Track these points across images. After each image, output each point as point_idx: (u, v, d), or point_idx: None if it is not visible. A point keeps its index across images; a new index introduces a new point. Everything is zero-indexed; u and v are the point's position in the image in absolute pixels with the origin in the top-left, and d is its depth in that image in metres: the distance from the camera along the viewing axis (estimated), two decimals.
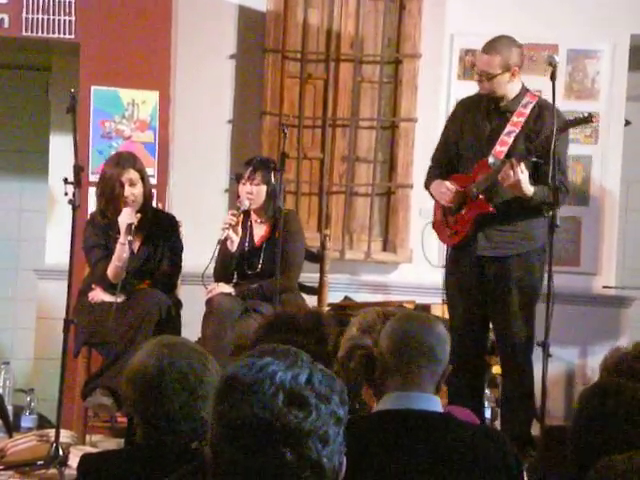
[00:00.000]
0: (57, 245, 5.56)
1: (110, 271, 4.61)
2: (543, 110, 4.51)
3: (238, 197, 4.83)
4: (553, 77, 4.23)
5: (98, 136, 5.36)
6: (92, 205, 4.98)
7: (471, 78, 5.31)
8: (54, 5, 5.30)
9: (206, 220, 5.49)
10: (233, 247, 4.74)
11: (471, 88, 4.84)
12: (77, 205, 4.23)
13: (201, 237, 5.11)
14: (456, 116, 4.73)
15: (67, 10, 5.31)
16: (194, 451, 2.27)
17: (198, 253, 4.87)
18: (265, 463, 1.45)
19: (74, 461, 3.99)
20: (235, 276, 4.87)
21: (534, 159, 4.41)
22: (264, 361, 1.50)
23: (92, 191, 5.10)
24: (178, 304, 4.71)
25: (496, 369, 4.99)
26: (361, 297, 5.59)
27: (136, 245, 4.67)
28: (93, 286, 4.70)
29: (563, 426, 2.84)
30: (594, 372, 4.73)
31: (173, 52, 5.53)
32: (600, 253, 5.81)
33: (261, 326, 2.95)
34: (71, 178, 4.24)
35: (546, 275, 4.19)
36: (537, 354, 4.17)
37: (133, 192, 4.62)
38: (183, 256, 4.82)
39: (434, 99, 5.59)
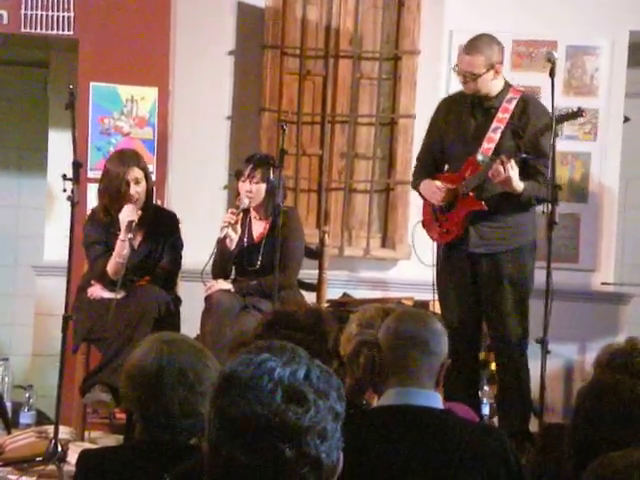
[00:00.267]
0: (56, 241, 5.56)
1: (110, 267, 4.61)
2: (527, 105, 4.53)
3: (238, 195, 4.83)
4: (552, 73, 4.23)
5: (97, 132, 5.35)
6: (91, 202, 4.99)
7: None
8: (53, 1, 5.29)
9: (205, 216, 5.49)
10: (232, 245, 4.74)
11: None
12: (76, 201, 4.23)
13: (200, 234, 5.11)
14: (440, 115, 4.73)
15: (66, 6, 5.31)
16: (193, 447, 2.28)
17: (197, 250, 4.87)
18: (264, 459, 1.45)
19: (73, 457, 3.98)
20: (233, 272, 4.87)
21: (523, 155, 4.43)
22: (262, 357, 1.50)
23: (91, 187, 5.10)
24: (177, 300, 4.71)
25: (495, 365, 4.99)
26: (360, 294, 5.59)
27: (137, 242, 4.67)
28: (92, 282, 4.70)
29: (561, 424, 2.85)
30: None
31: (172, 48, 5.53)
32: (599, 250, 5.81)
33: (261, 324, 2.95)
34: (70, 174, 4.24)
35: (542, 271, 4.19)
36: (536, 351, 4.17)
37: (137, 190, 4.63)
38: (182, 253, 4.82)
39: (433, 95, 5.58)
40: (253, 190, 4.77)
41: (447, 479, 2.31)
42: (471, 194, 4.52)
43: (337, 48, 5.75)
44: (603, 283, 5.79)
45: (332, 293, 5.31)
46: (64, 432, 4.40)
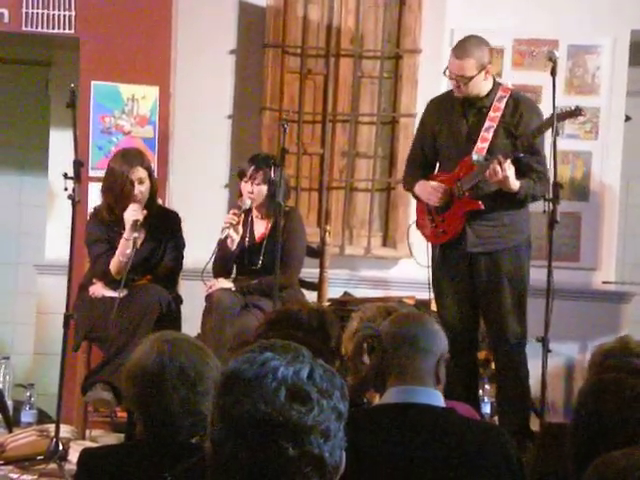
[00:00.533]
0: (57, 240, 5.56)
1: (113, 266, 4.61)
2: (519, 103, 4.55)
3: (240, 195, 4.83)
4: (553, 72, 4.24)
5: (98, 131, 5.36)
6: (92, 200, 4.99)
7: None
8: (54, 0, 5.29)
9: (206, 215, 5.49)
10: (233, 245, 4.75)
11: None
12: (77, 200, 4.24)
13: (200, 232, 5.11)
14: (429, 115, 4.73)
15: (67, 5, 5.31)
16: (194, 446, 2.28)
17: (197, 249, 4.87)
18: (267, 458, 1.45)
19: (74, 456, 3.99)
20: (234, 271, 4.87)
21: (521, 155, 4.44)
22: (265, 356, 1.50)
23: (92, 186, 5.10)
24: (178, 299, 4.71)
25: (494, 364, 4.99)
26: (361, 292, 5.59)
27: (139, 240, 4.67)
28: (94, 281, 4.70)
29: (561, 423, 2.85)
30: None
31: (173, 47, 5.53)
32: (600, 249, 5.81)
33: (263, 322, 2.95)
34: (71, 173, 4.24)
35: (543, 270, 4.20)
36: (537, 349, 4.17)
37: (141, 190, 4.63)
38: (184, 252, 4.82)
39: (434, 94, 5.57)
40: (255, 191, 4.77)
41: (449, 477, 2.31)
42: (467, 194, 4.53)
43: (338, 47, 5.74)
44: (604, 282, 5.79)
45: (333, 292, 5.32)
46: (65, 431, 4.41)
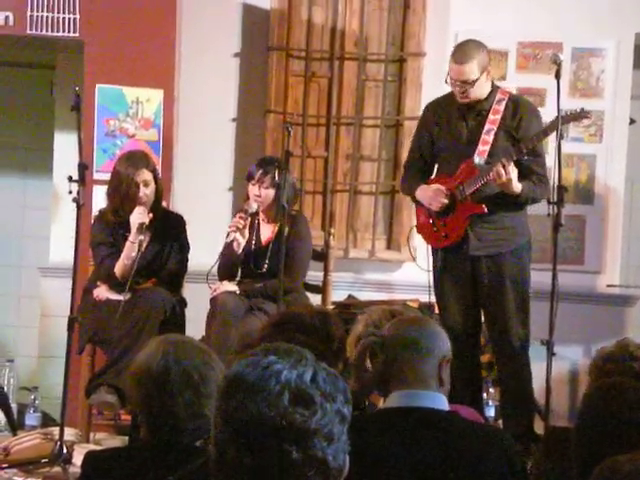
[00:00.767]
0: (61, 243, 5.56)
1: (118, 269, 4.62)
2: (518, 105, 4.57)
3: (247, 198, 4.83)
4: (558, 75, 4.24)
5: (102, 134, 5.36)
6: (96, 203, 4.99)
7: None
8: (59, 3, 5.30)
9: (210, 218, 5.50)
10: (239, 249, 4.74)
11: None
12: (81, 203, 4.24)
13: (205, 235, 5.11)
14: (427, 120, 4.74)
15: (71, 8, 5.31)
16: (198, 449, 2.28)
17: (202, 251, 4.87)
18: (270, 461, 1.45)
19: (78, 459, 3.99)
20: (239, 274, 4.87)
21: (525, 158, 4.45)
22: (268, 360, 1.50)
23: (96, 189, 5.11)
24: (182, 302, 4.71)
25: (497, 367, 4.98)
26: (365, 295, 5.59)
27: (144, 243, 4.67)
28: (98, 283, 4.71)
29: (566, 427, 2.84)
30: None
31: (177, 50, 5.53)
32: (604, 252, 5.80)
33: (267, 325, 2.95)
34: (75, 176, 4.25)
35: (548, 273, 4.19)
36: (541, 353, 4.17)
37: (146, 192, 4.64)
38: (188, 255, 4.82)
39: None
40: (262, 195, 4.77)
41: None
42: (469, 197, 4.53)
43: (342, 50, 5.75)
44: (609, 285, 5.78)
45: (337, 295, 5.32)
46: (69, 434, 4.41)
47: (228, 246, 4.74)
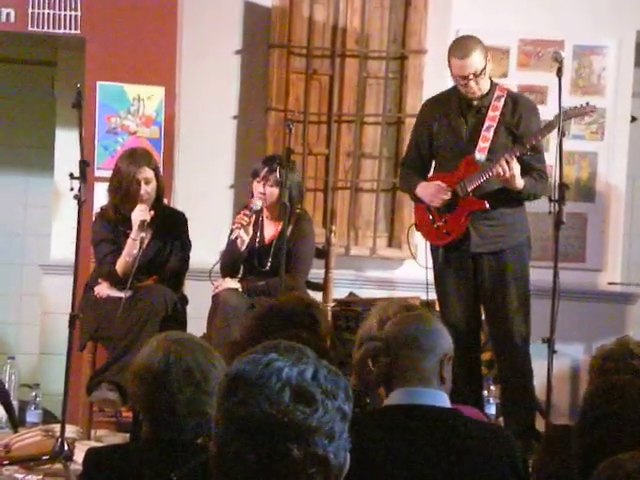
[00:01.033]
0: (62, 240, 5.56)
1: (119, 266, 4.62)
2: (517, 102, 4.59)
3: (252, 196, 4.82)
4: (559, 73, 4.24)
5: (104, 131, 5.36)
6: (98, 200, 4.99)
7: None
8: (60, 0, 5.30)
9: (211, 215, 5.50)
10: (243, 246, 4.74)
11: None
12: (83, 200, 4.24)
13: (206, 233, 5.12)
14: (425, 117, 4.74)
15: (73, 5, 5.31)
16: (199, 446, 2.28)
17: (203, 248, 4.88)
18: (271, 459, 1.45)
19: (79, 456, 3.99)
20: (241, 271, 4.87)
21: (529, 153, 4.45)
22: (269, 357, 1.50)
23: (98, 186, 5.11)
24: (184, 300, 4.71)
25: (498, 365, 4.98)
26: (366, 293, 5.59)
27: (145, 241, 4.67)
28: (100, 281, 4.71)
29: (566, 425, 2.84)
30: None
31: (179, 48, 5.53)
32: (606, 249, 5.80)
33: (250, 319, 2.97)
34: (77, 173, 4.25)
35: (549, 271, 4.19)
36: (542, 350, 4.16)
37: (147, 190, 4.64)
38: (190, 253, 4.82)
39: None
40: (267, 193, 4.77)
41: (453, 478, 2.31)
42: (471, 194, 4.53)
43: (344, 47, 5.74)
44: (610, 283, 5.78)
45: (338, 292, 5.32)
46: (70, 431, 4.41)
47: (232, 243, 4.74)
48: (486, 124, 4.51)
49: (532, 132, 4.49)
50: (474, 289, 4.58)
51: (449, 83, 4.84)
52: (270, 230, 4.89)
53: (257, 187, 4.79)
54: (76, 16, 5.32)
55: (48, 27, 5.31)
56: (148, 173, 4.64)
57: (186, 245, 4.79)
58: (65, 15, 5.31)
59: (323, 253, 5.09)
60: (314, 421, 1.46)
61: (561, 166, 4.19)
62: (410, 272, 5.66)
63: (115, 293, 4.61)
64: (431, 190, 4.60)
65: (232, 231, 4.73)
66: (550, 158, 4.58)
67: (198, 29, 5.68)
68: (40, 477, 4.14)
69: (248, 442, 1.46)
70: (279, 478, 1.46)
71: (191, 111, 5.67)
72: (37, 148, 6.56)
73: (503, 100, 4.54)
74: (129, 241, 4.61)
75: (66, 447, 4.15)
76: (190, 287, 5.01)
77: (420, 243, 4.95)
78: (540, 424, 4.58)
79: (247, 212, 4.73)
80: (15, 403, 5.16)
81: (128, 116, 5.38)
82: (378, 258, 5.77)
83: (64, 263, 5.17)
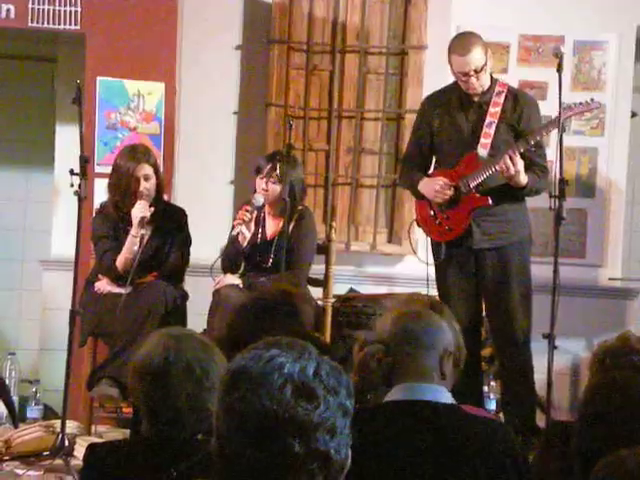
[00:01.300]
0: (63, 236, 5.56)
1: (119, 263, 4.62)
2: (517, 98, 4.59)
3: (254, 191, 4.82)
4: (559, 68, 4.23)
5: (104, 127, 5.36)
6: (98, 196, 4.99)
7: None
8: None
9: (211, 212, 5.50)
10: (244, 242, 4.74)
11: None
12: (83, 196, 4.24)
13: (206, 229, 5.12)
14: (425, 113, 4.74)
15: (73, 1, 5.30)
16: (199, 442, 2.28)
17: (203, 245, 4.88)
18: (273, 454, 1.45)
19: (80, 452, 4.00)
20: (243, 267, 4.87)
21: (533, 149, 4.45)
22: (271, 353, 1.50)
23: (98, 182, 5.10)
24: (184, 296, 4.72)
25: (499, 361, 4.98)
26: (366, 289, 5.59)
27: (145, 237, 4.67)
28: (100, 277, 4.71)
29: (566, 421, 2.84)
30: None
31: (179, 43, 5.53)
32: (606, 245, 5.80)
33: (231, 313, 2.97)
34: (77, 169, 4.25)
35: (550, 266, 4.20)
36: (543, 346, 4.17)
37: (147, 186, 4.63)
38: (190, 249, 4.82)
39: None
40: (269, 189, 4.77)
41: (453, 474, 2.31)
42: (473, 190, 4.53)
43: (344, 43, 5.74)
44: (610, 278, 5.78)
45: (338, 288, 5.31)
46: (71, 426, 4.41)
47: (233, 239, 4.74)
48: (487, 120, 4.52)
49: (533, 128, 4.50)
50: (475, 285, 4.58)
51: (449, 79, 4.84)
52: (272, 226, 4.88)
53: (260, 183, 4.79)
54: (76, 12, 5.31)
55: (48, 23, 5.31)
56: (147, 170, 4.64)
57: (186, 241, 4.79)
58: (65, 11, 5.31)
59: (323, 249, 5.09)
60: (315, 417, 1.46)
61: (561, 162, 4.19)
62: (410, 268, 5.66)
63: (115, 289, 4.61)
64: (434, 186, 4.60)
65: (233, 227, 4.73)
66: (550, 154, 4.59)
67: (198, 25, 5.68)
68: (41, 473, 4.15)
69: (249, 438, 1.46)
70: (280, 474, 1.46)
71: (191, 107, 5.67)
72: (37, 144, 6.56)
73: (504, 96, 4.54)
74: (129, 238, 4.61)
75: (66, 443, 4.15)
76: (190, 283, 5.01)
77: (420, 239, 4.94)
78: (540, 420, 4.58)
79: (249, 208, 4.73)
80: (15, 399, 5.16)
81: (128, 112, 5.37)
82: (378, 254, 5.77)
83: (64, 259, 5.17)
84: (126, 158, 4.66)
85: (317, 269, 5.06)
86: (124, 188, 4.62)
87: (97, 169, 5.20)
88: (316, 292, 4.98)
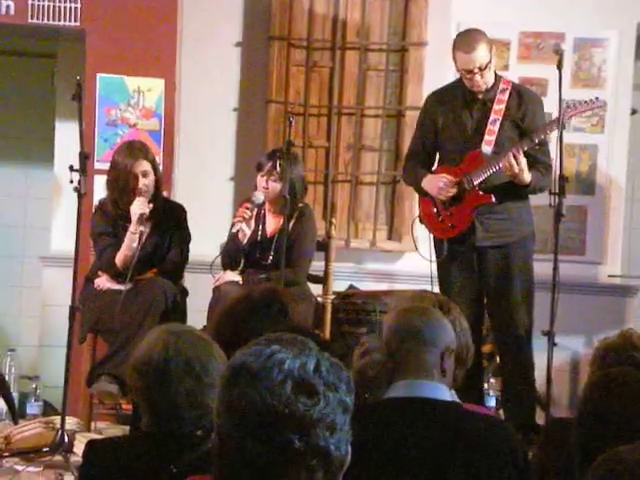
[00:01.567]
0: (62, 232, 5.57)
1: (119, 259, 4.62)
2: (522, 95, 4.59)
3: (255, 188, 4.81)
4: (560, 65, 4.23)
5: (103, 124, 5.35)
6: (98, 193, 4.99)
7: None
8: None
9: (211, 208, 5.50)
10: (244, 239, 4.74)
11: None
12: (83, 193, 4.23)
13: (206, 225, 5.11)
14: (429, 110, 4.73)
15: None
16: (199, 439, 2.28)
17: (203, 241, 4.87)
18: (273, 451, 1.45)
19: (79, 448, 4.00)
20: (243, 264, 4.86)
21: (537, 147, 4.45)
22: (271, 349, 1.50)
23: (98, 179, 5.10)
24: (184, 292, 4.72)
25: (499, 358, 4.99)
26: (366, 286, 5.59)
27: (144, 234, 4.67)
28: (99, 273, 4.71)
29: (565, 418, 2.84)
30: None
31: (179, 40, 5.52)
32: (606, 242, 5.80)
33: (219, 313, 2.98)
34: (77, 166, 4.24)
35: (549, 263, 4.20)
36: (542, 343, 4.17)
37: (145, 183, 4.63)
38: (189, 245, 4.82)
39: None
40: (270, 187, 4.77)
41: (453, 471, 2.31)
42: (477, 188, 4.53)
43: (344, 40, 5.73)
44: (610, 275, 5.78)
45: (338, 285, 5.32)
46: (71, 423, 4.41)
47: (233, 236, 4.73)
48: (491, 117, 4.51)
49: (538, 125, 4.49)
50: (478, 282, 4.58)
51: (449, 75, 4.84)
52: (272, 224, 4.88)
53: (260, 181, 4.79)
54: (76, 8, 5.31)
55: (48, 19, 5.31)
56: (145, 166, 4.63)
57: (185, 238, 4.79)
58: (65, 7, 5.30)
59: (323, 246, 5.09)
60: (315, 413, 1.46)
61: (561, 159, 4.19)
62: (410, 265, 5.66)
63: (115, 286, 4.61)
64: (438, 183, 4.59)
65: (233, 224, 4.73)
66: (550, 151, 4.59)
67: (198, 21, 5.67)
68: (40, 469, 4.15)
69: (249, 433, 1.46)
70: (280, 470, 1.46)
71: (191, 103, 5.66)
72: (37, 140, 6.56)
73: (508, 93, 4.53)
74: (128, 234, 4.60)
75: (66, 439, 4.15)
76: (190, 279, 5.01)
77: (422, 236, 4.94)
78: (540, 417, 4.58)
79: (249, 205, 4.73)
80: (15, 395, 5.16)
81: (128, 108, 5.37)
82: (378, 251, 5.77)
83: (64, 255, 5.17)
84: (124, 155, 4.65)
85: (317, 266, 5.06)
86: (122, 185, 4.61)
87: (97, 165, 5.20)
88: (316, 289, 4.99)
